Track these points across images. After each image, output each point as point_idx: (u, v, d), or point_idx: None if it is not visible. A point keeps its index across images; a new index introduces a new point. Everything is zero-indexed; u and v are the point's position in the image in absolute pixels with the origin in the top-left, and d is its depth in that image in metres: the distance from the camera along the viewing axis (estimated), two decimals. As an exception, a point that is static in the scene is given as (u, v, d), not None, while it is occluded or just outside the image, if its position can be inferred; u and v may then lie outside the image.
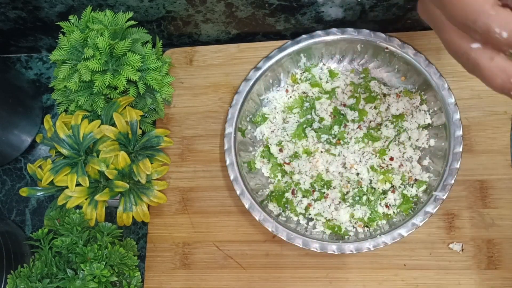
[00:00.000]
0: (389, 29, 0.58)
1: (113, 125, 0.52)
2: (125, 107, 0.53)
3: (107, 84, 0.50)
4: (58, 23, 0.52)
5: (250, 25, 0.60)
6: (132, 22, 0.53)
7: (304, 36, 0.56)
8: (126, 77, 0.51)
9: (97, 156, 0.51)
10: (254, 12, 0.58)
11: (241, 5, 0.56)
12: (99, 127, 0.51)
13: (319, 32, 0.56)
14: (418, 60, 0.54)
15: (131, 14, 0.53)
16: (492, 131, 0.54)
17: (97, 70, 0.50)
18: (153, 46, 0.55)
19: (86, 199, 0.51)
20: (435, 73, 0.53)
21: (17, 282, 0.47)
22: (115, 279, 0.48)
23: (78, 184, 0.50)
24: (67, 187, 0.50)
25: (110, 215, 0.60)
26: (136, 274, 0.51)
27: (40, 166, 0.53)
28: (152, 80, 0.53)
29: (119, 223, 0.53)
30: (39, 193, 0.53)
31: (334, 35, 0.55)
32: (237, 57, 0.60)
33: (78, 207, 0.52)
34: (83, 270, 0.47)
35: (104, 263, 0.47)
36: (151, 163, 0.53)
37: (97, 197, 0.51)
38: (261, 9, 0.57)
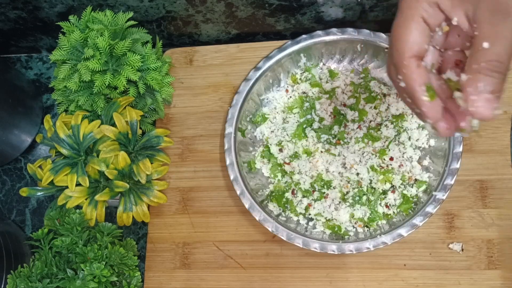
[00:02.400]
0: (389, 29, 0.58)
1: (113, 125, 0.52)
2: (125, 107, 0.53)
3: (107, 84, 0.50)
4: (58, 23, 0.52)
5: (250, 25, 0.60)
6: (132, 22, 0.53)
7: (304, 36, 0.56)
8: (126, 77, 0.51)
9: (97, 156, 0.51)
10: (254, 12, 0.58)
11: (241, 5, 0.56)
12: (99, 127, 0.51)
13: (319, 32, 0.56)
14: None
15: (131, 14, 0.53)
16: (492, 131, 0.54)
17: (97, 70, 0.50)
18: (153, 46, 0.55)
19: (86, 199, 0.51)
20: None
21: (17, 282, 0.47)
22: (115, 279, 0.48)
23: (78, 184, 0.50)
24: (67, 187, 0.50)
25: (110, 215, 0.60)
26: (136, 274, 0.51)
27: (40, 166, 0.53)
28: (152, 80, 0.53)
29: (119, 223, 0.53)
30: (39, 193, 0.53)
31: (334, 35, 0.55)
32: (237, 57, 0.60)
33: (78, 207, 0.52)
34: (83, 270, 0.47)
35: (104, 263, 0.47)
36: (151, 163, 0.53)
37: (97, 197, 0.51)
38: (261, 9, 0.57)
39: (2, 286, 0.52)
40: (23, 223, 0.61)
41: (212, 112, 0.59)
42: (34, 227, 0.61)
